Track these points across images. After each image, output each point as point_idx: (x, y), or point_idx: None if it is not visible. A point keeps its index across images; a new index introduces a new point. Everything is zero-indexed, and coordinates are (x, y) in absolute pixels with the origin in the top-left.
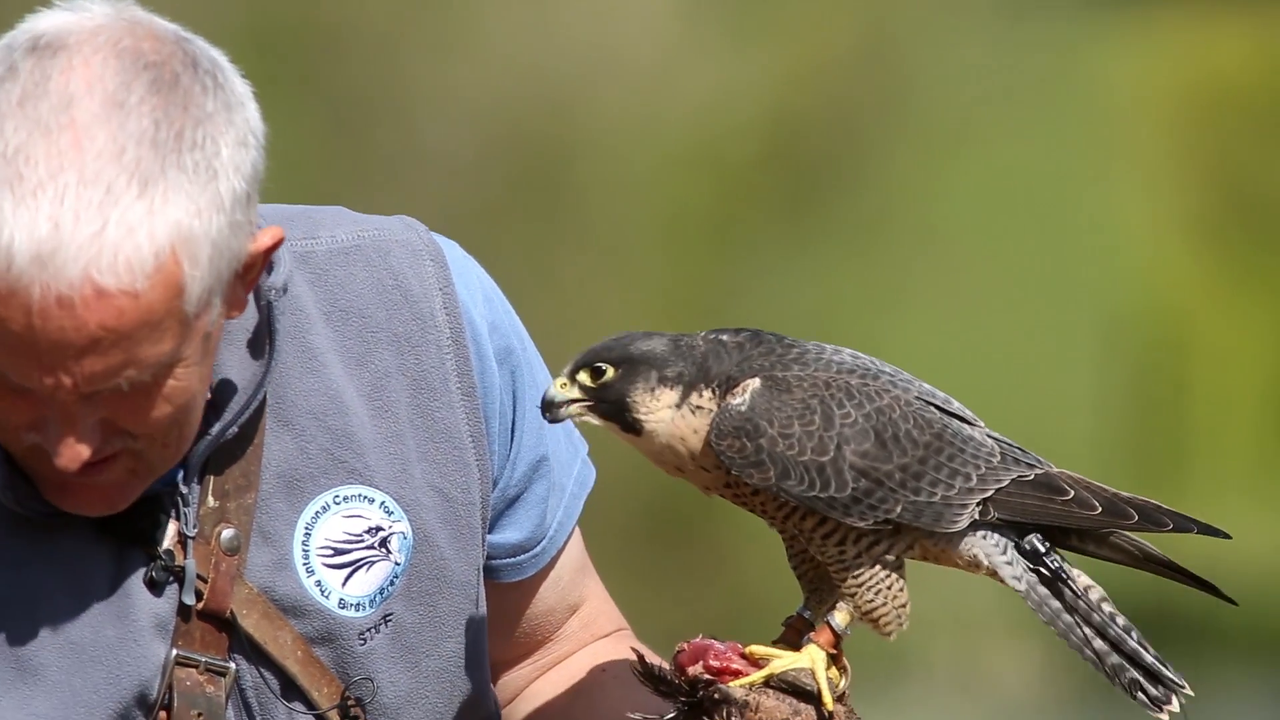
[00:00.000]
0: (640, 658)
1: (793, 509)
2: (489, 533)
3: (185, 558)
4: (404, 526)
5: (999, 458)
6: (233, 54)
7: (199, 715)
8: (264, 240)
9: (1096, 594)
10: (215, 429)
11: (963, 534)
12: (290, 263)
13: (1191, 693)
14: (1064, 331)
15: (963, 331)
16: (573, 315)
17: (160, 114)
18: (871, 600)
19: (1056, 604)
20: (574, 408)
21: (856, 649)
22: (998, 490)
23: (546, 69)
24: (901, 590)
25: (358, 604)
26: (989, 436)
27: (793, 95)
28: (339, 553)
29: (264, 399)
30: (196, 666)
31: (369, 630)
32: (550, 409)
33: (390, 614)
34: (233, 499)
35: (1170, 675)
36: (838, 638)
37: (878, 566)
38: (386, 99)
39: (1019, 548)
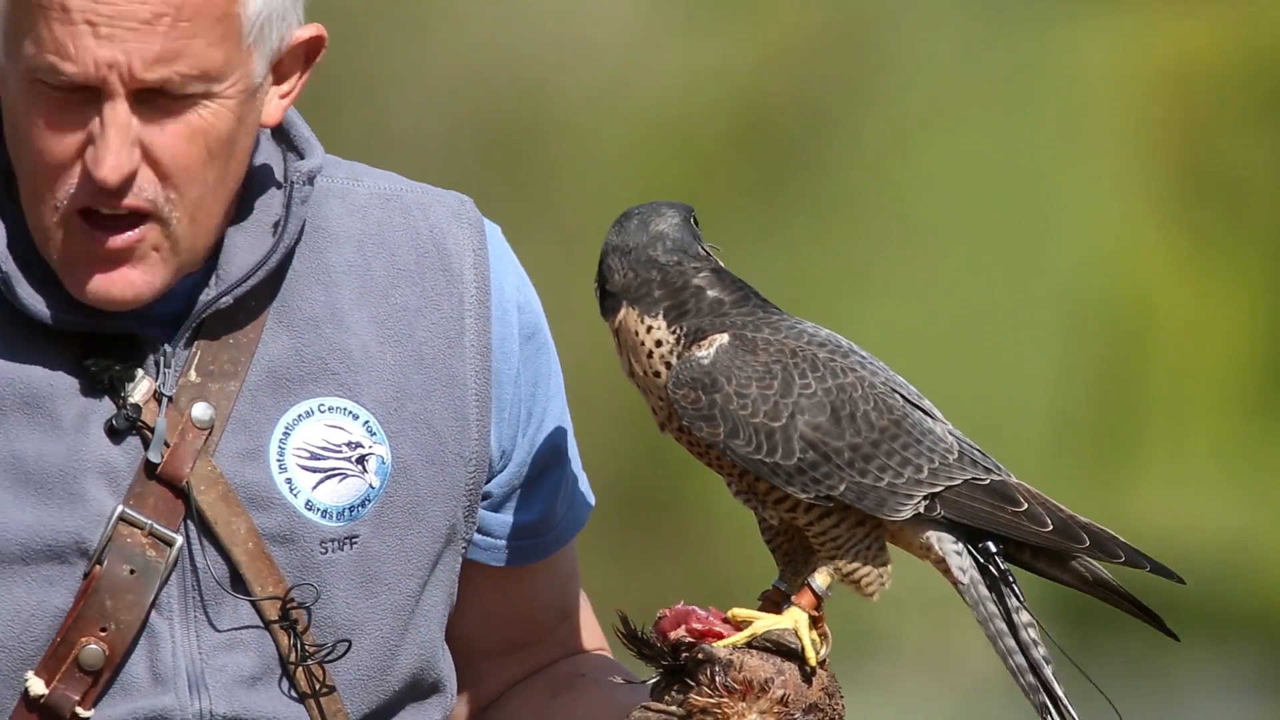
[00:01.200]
0: (624, 619)
1: (741, 473)
2: (498, 511)
3: (159, 415)
4: (384, 451)
5: (955, 455)
6: None
7: (132, 572)
8: (306, 32)
9: (1027, 616)
10: (211, 295)
11: (917, 520)
12: (321, 169)
13: None
14: (1030, 312)
15: (930, 311)
16: (542, 293)
17: None
18: (852, 562)
19: (993, 608)
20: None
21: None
22: (948, 488)
23: (517, 48)
24: (882, 550)
25: (325, 511)
26: (950, 434)
27: (762, 75)
28: (315, 457)
29: (270, 295)
30: (142, 529)
31: (332, 541)
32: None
33: (357, 535)
34: (216, 380)
35: (1070, 713)
36: (819, 600)
37: (856, 529)
38: (357, 78)
39: (972, 545)
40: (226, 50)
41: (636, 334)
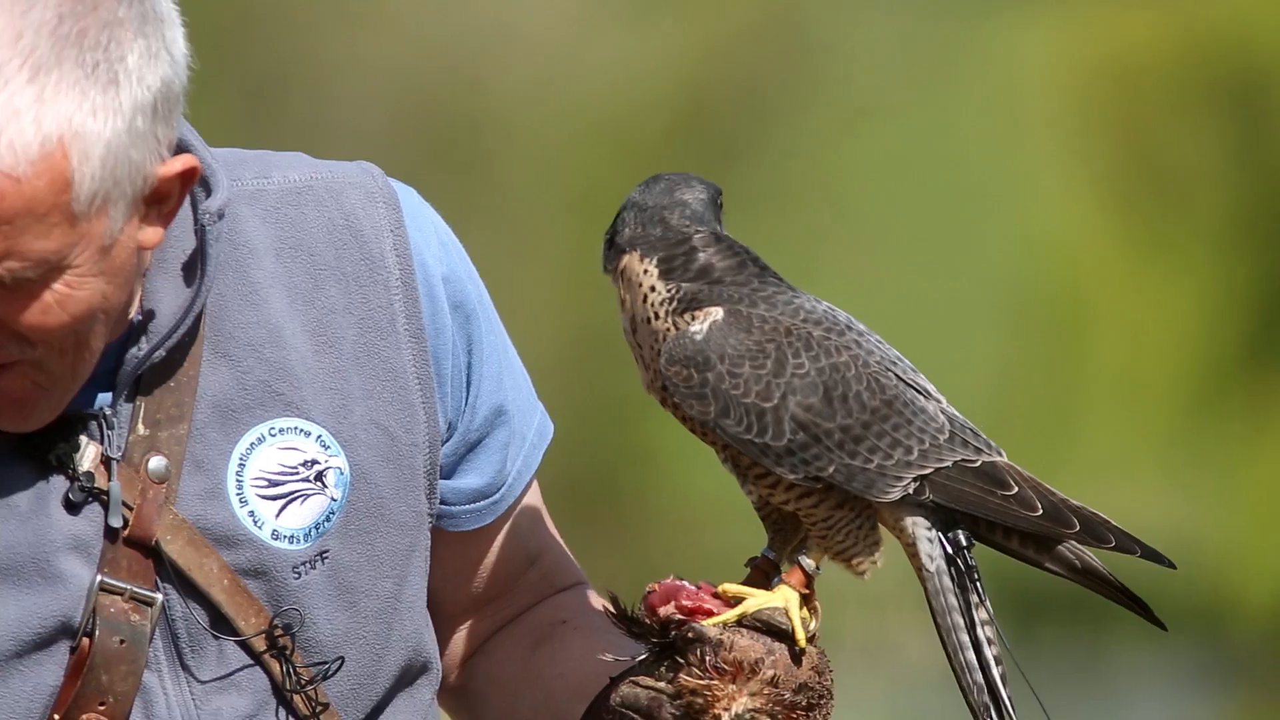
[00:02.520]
0: (614, 599)
1: (726, 445)
2: (448, 478)
3: (109, 480)
4: (341, 462)
5: (947, 436)
6: None
7: (121, 642)
8: (175, 165)
9: (984, 614)
10: (143, 350)
11: (899, 501)
12: (229, 193)
13: None
14: (969, 304)
15: (868, 302)
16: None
17: (66, 9)
18: (842, 541)
19: (953, 600)
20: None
21: None
22: (938, 469)
23: (455, 42)
24: (874, 530)
25: (292, 536)
26: (943, 412)
27: (701, 67)
28: (273, 484)
29: (199, 328)
30: (122, 594)
31: (303, 564)
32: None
33: (326, 550)
34: (164, 428)
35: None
36: (809, 577)
37: (843, 509)
38: (297, 72)
39: (944, 534)
40: (61, 235)
41: (636, 275)
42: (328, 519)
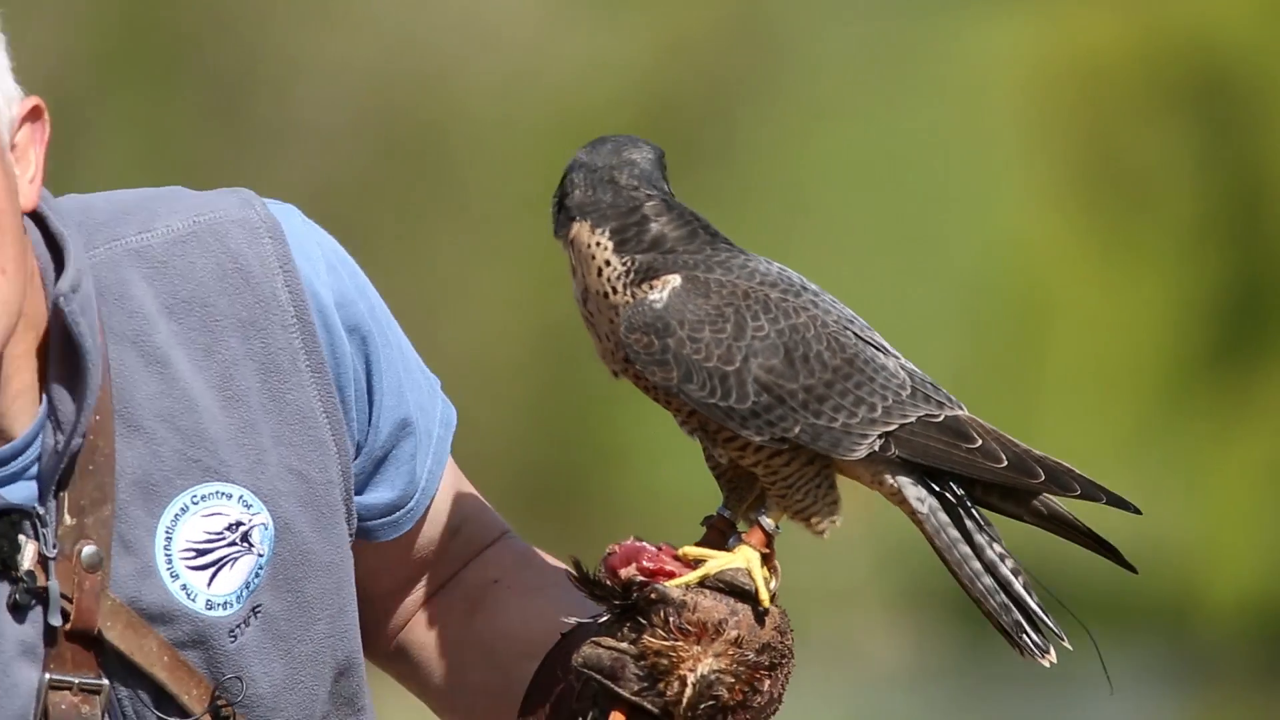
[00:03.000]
0: (576, 563)
1: (691, 411)
2: (359, 495)
3: (48, 579)
4: (264, 518)
5: (909, 391)
6: (109, 26)
7: None
8: (29, 101)
9: (989, 535)
10: (61, 442)
11: (870, 458)
12: (113, 253)
13: (1070, 646)
14: (930, 303)
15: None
16: (444, 284)
17: None
18: (801, 500)
19: (955, 533)
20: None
21: None
22: (902, 425)
23: (419, 41)
24: (832, 489)
25: (225, 602)
26: (903, 368)
27: (664, 67)
28: (201, 553)
29: (108, 408)
30: (70, 688)
31: (238, 626)
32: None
33: (258, 605)
34: (90, 514)
35: (1052, 626)
36: (769, 537)
37: (807, 468)
38: (261, 70)
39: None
40: None
41: (589, 247)
42: (256, 575)
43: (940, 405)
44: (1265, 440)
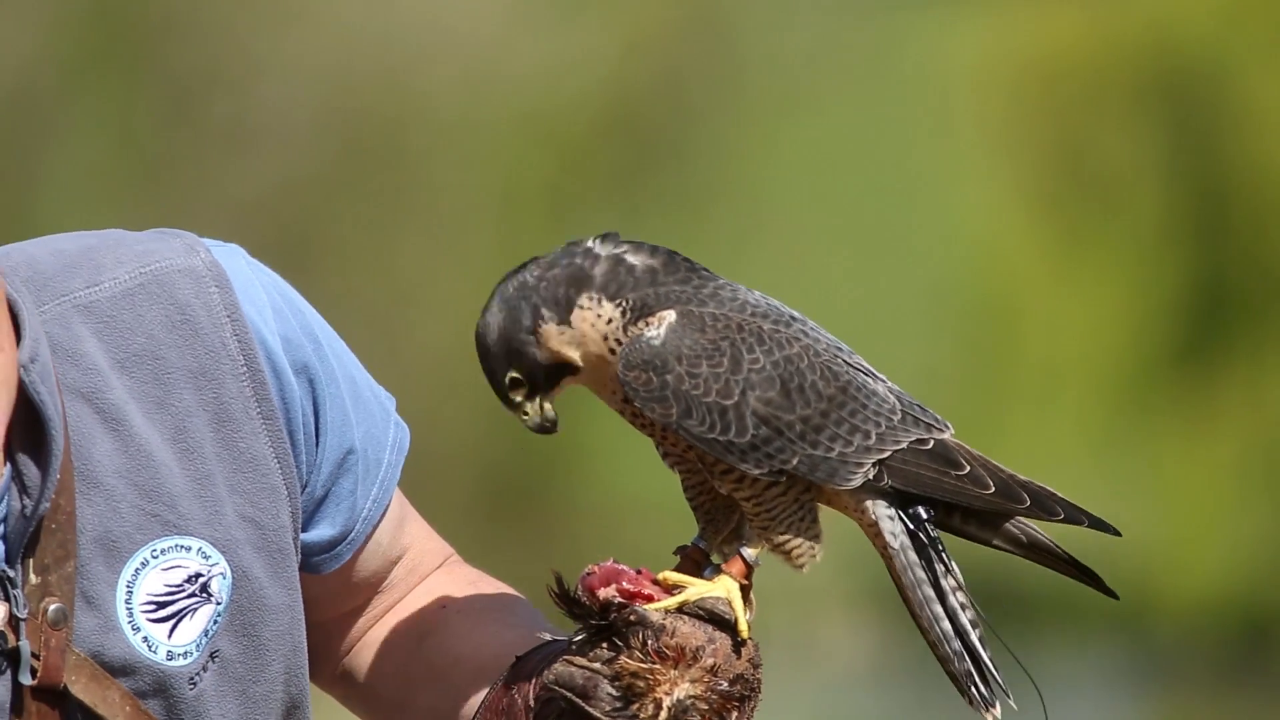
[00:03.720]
0: (558, 579)
1: (689, 446)
2: (303, 533)
3: (19, 639)
4: (223, 567)
5: (899, 416)
6: (73, 23)
7: None
8: None
9: (954, 581)
10: (29, 505)
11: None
12: (62, 309)
13: (1015, 706)
14: (893, 304)
15: (795, 299)
16: (407, 283)
17: None
18: (784, 534)
19: (921, 574)
20: (544, 406)
21: None
22: (895, 452)
23: (382, 40)
24: (814, 523)
25: (185, 652)
26: (891, 392)
27: (625, 66)
28: (162, 605)
29: (68, 466)
30: None
31: (197, 674)
32: (544, 429)
33: (216, 651)
34: (53, 571)
35: (999, 682)
36: (749, 569)
37: (790, 499)
38: (223, 70)
39: (903, 510)
40: None
41: (593, 322)
42: (215, 622)
43: (929, 427)
44: (1228, 441)
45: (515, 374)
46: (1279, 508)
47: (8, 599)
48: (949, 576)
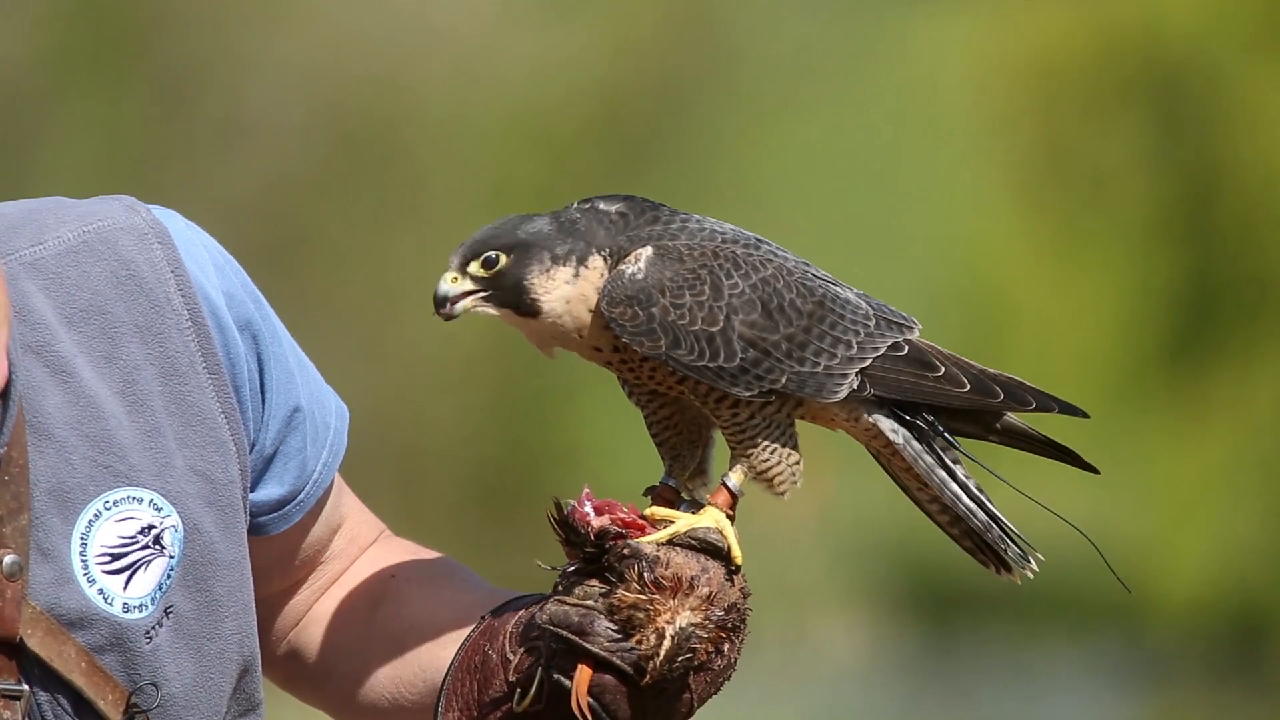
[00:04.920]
0: (557, 504)
1: (681, 377)
2: (252, 492)
3: None
4: (174, 520)
5: (874, 322)
6: (62, 22)
7: None
8: None
9: (956, 454)
10: None
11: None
12: (19, 273)
13: (1043, 557)
14: (885, 298)
15: None
16: (398, 281)
17: None
18: (766, 460)
19: (931, 459)
20: (468, 301)
21: None
22: (875, 360)
23: (372, 39)
24: (795, 449)
25: (140, 604)
26: (860, 297)
27: (617, 66)
28: (116, 557)
29: (20, 419)
30: None
31: (153, 628)
32: (445, 304)
33: (171, 606)
34: (7, 523)
35: (1025, 540)
36: (734, 498)
37: (772, 426)
38: (214, 69)
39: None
40: None
41: (590, 281)
42: (168, 576)
43: (902, 328)
44: (1219, 438)
45: (499, 258)
46: (1270, 504)
47: None
48: (950, 451)
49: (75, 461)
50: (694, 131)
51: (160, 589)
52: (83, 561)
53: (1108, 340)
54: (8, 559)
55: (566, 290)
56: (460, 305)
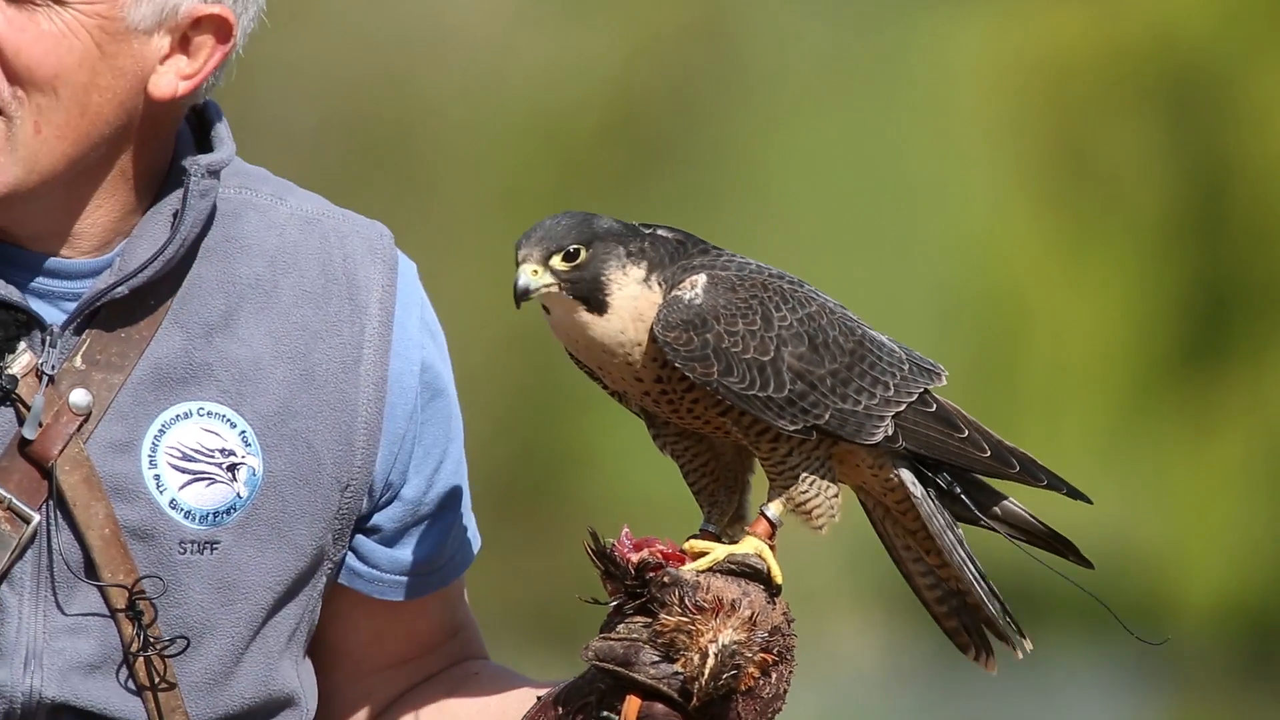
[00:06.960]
0: (594, 535)
1: (725, 409)
2: (388, 546)
3: (38, 393)
4: (256, 462)
5: (907, 367)
6: None
7: None
8: (213, 6)
9: (961, 533)
10: (108, 281)
11: (874, 446)
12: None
13: (1030, 647)
14: (900, 305)
15: None
16: None
17: None
18: (806, 492)
19: (946, 519)
20: (550, 288)
21: None
22: (908, 406)
23: (386, 41)
24: (833, 482)
25: (189, 512)
26: (890, 341)
27: (631, 68)
28: (186, 458)
29: (172, 294)
30: (1, 503)
31: (191, 544)
32: (527, 296)
33: (218, 542)
34: (100, 371)
35: (1016, 623)
36: (773, 528)
37: (811, 460)
38: (227, 71)
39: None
40: None
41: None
42: (229, 511)
43: (930, 374)
44: (1235, 441)
45: (580, 251)
46: None
47: (40, 354)
48: (958, 526)
49: (194, 361)
50: (708, 135)
51: (214, 516)
52: (153, 443)
53: (1122, 342)
54: (78, 393)
55: (636, 289)
56: (539, 295)
